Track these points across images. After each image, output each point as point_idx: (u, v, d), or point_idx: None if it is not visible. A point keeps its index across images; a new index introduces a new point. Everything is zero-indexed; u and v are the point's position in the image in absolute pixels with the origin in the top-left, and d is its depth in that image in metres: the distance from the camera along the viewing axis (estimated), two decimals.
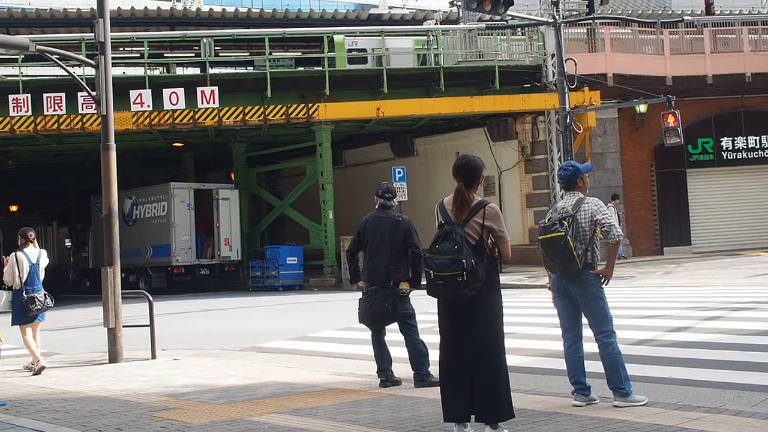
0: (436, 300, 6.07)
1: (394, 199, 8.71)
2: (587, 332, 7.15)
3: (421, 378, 8.35)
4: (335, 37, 26.03)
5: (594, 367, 7.28)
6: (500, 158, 28.01)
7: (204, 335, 14.70)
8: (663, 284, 19.12)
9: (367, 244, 8.54)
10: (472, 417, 5.98)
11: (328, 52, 25.65)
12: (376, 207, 8.75)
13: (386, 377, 8.50)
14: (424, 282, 6.49)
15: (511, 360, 9.66)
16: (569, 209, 6.88)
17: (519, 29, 26.77)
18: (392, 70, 25.80)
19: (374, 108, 25.60)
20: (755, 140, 28.20)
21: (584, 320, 7.19)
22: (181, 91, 23.47)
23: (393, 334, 8.67)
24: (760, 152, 28.21)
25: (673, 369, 8.44)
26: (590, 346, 7.21)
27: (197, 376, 9.72)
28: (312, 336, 13.29)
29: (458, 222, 5.90)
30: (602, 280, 6.95)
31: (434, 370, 8.07)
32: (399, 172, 25.70)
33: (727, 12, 35.26)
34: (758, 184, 28.41)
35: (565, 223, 6.78)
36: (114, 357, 11.19)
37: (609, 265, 6.93)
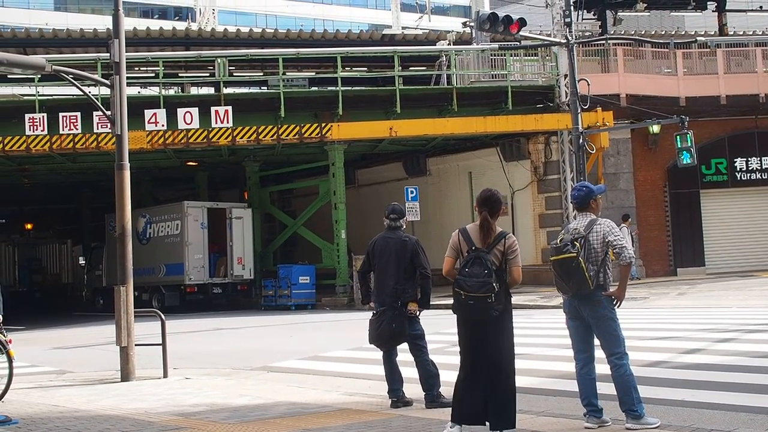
0: (456, 319, 6.69)
1: (402, 220, 8.74)
2: (599, 354, 7.14)
3: (432, 399, 8.34)
4: None
5: (606, 389, 7.26)
6: (513, 178, 28.00)
7: (216, 354, 14.71)
8: (676, 305, 19.02)
9: (376, 264, 8.61)
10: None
11: (341, 72, 25.74)
12: (385, 228, 8.82)
13: (397, 398, 8.49)
14: (434, 302, 6.74)
15: (522, 381, 9.72)
16: (581, 230, 6.90)
17: (532, 49, 26.83)
18: (405, 90, 25.89)
19: (387, 128, 25.67)
20: None
21: (596, 341, 7.18)
22: (195, 110, 23.62)
23: (405, 354, 8.65)
24: None
25: (686, 391, 8.38)
26: (602, 367, 7.19)
27: (208, 396, 9.73)
28: (323, 356, 13.28)
29: (484, 248, 6.51)
30: (614, 302, 6.95)
31: (445, 390, 8.06)
32: (411, 192, 25.74)
33: (740, 32, 35.33)
34: None
35: (577, 244, 6.79)
36: (126, 375, 11.21)
37: (621, 286, 6.92)
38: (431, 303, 8.67)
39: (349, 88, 26.32)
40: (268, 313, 25.47)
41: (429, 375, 8.40)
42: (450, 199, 30.07)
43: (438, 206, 29.77)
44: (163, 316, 11.84)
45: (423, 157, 31.11)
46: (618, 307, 6.99)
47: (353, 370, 11.56)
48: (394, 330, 8.31)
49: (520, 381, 9.72)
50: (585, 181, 21.79)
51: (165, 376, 11.27)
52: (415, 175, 30.90)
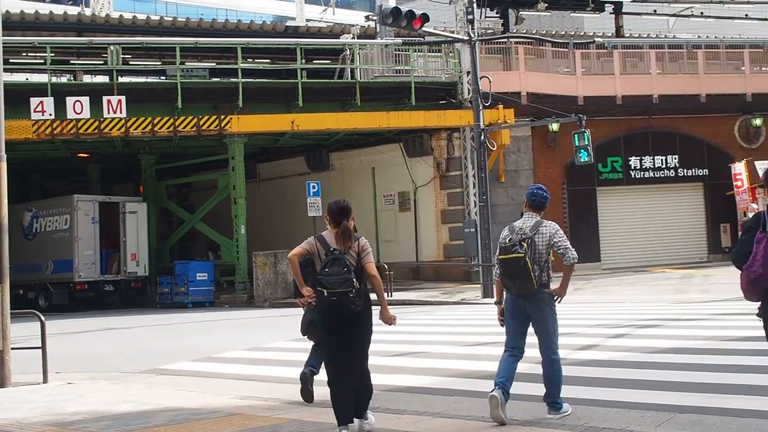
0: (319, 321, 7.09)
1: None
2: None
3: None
4: None
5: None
6: (415, 174, 27.96)
7: (103, 356, 14.04)
8: (573, 301, 19.17)
9: None
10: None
11: (242, 63, 25.16)
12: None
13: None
14: None
15: (419, 381, 9.55)
16: (527, 231, 7.17)
17: (435, 46, 26.82)
18: (308, 83, 25.51)
19: (289, 121, 25.24)
20: (661, 160, 28.87)
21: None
22: (86, 99, 22.67)
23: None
24: (666, 171, 28.89)
25: (581, 389, 8.31)
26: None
27: (91, 402, 9.18)
28: (218, 357, 12.81)
29: (343, 250, 6.96)
30: (556, 299, 7.25)
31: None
32: (313, 187, 25.43)
33: (636, 35, 36.21)
34: (664, 203, 29.08)
35: (525, 244, 7.06)
36: (2, 382, 10.51)
37: (563, 285, 7.19)
38: None
39: (251, 80, 25.73)
40: (163, 311, 24.75)
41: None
42: (353, 194, 29.75)
43: None
44: (42, 317, 11.15)
45: (326, 151, 30.78)
46: (558, 303, 7.30)
47: (248, 372, 11.15)
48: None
49: (417, 380, 9.61)
50: (486, 176, 21.93)
51: (45, 381, 10.60)
52: (318, 170, 30.55)
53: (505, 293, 7.39)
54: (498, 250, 7.26)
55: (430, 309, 18.88)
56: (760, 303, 5.20)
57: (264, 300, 24.40)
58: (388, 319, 7.05)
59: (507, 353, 7.35)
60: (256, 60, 29.76)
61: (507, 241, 7.13)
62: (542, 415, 7.32)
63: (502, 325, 7.49)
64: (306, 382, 8.36)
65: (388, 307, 7.10)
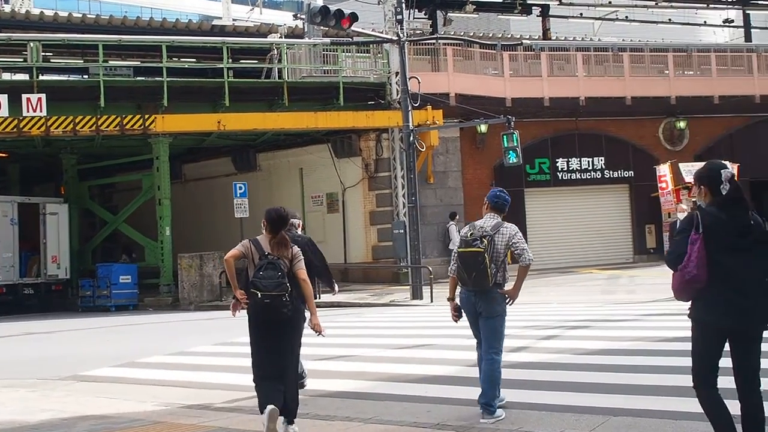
0: (249, 323, 7.13)
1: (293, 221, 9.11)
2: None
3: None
4: None
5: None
6: (344, 175, 27.78)
7: (22, 362, 13.51)
8: None
9: None
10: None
11: (167, 61, 24.63)
12: None
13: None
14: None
15: (349, 385, 9.39)
16: (488, 229, 7.42)
17: (364, 46, 26.70)
18: (234, 83, 25.10)
19: (215, 121, 24.81)
20: (588, 162, 29.26)
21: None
22: (4, 97, 21.92)
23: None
24: (592, 173, 29.29)
25: (513, 392, 8.26)
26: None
27: (4, 412, 8.78)
28: (141, 362, 12.44)
29: (277, 256, 7.09)
30: (507, 300, 7.44)
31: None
32: (240, 188, 25.06)
33: (562, 38, 36.72)
34: (591, 204, 29.49)
35: (485, 241, 7.29)
36: None
37: (516, 286, 7.46)
38: None
39: (176, 79, 25.18)
40: (85, 315, 24.07)
41: None
42: (281, 195, 29.48)
43: (268, 202, 28.94)
44: None
45: (253, 152, 30.38)
46: (510, 305, 7.50)
47: (173, 378, 10.83)
48: None
49: (347, 385, 9.45)
50: (414, 177, 21.88)
51: None
52: (245, 171, 30.13)
53: (459, 289, 7.58)
54: (458, 244, 7.48)
55: (359, 311, 18.74)
56: (690, 303, 5.27)
57: (189, 303, 23.95)
58: (317, 327, 7.17)
59: (480, 353, 7.60)
60: (181, 59, 29.21)
61: (468, 235, 7.37)
62: (476, 419, 7.23)
63: (455, 321, 7.69)
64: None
65: (317, 313, 7.24)
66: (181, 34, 27.75)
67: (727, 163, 5.53)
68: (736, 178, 5.44)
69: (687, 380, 8.03)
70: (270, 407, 6.77)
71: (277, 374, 7.02)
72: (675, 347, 10.09)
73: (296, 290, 7.11)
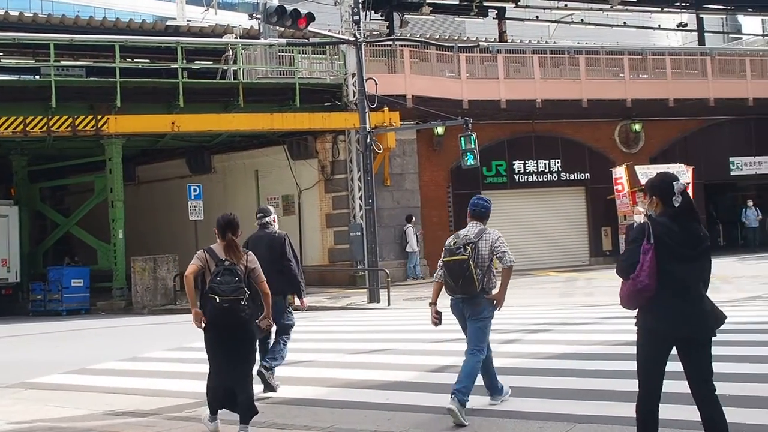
0: (205, 327, 7.17)
1: (269, 217, 9.56)
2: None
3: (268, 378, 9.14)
4: None
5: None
6: (300, 177, 27.55)
7: None
8: None
9: None
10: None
11: (121, 62, 24.19)
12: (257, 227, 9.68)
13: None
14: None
15: (306, 392, 9.19)
16: (472, 237, 7.60)
17: (320, 47, 26.50)
18: (189, 83, 24.74)
19: (169, 122, 24.41)
20: (544, 164, 29.36)
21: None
22: None
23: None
24: (549, 176, 29.40)
25: (474, 398, 8.13)
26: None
27: None
28: (92, 368, 12.11)
29: (233, 262, 7.23)
30: (495, 305, 7.59)
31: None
32: (195, 190, 24.74)
33: (518, 41, 36.84)
34: (547, 207, 29.57)
35: (469, 248, 7.47)
36: None
37: (501, 290, 7.60)
38: None
39: (129, 79, 24.74)
40: (35, 319, 23.53)
41: (280, 358, 9.38)
42: (236, 197, 29.19)
43: (223, 205, 28.66)
44: None
45: (208, 154, 30.00)
46: (498, 310, 7.66)
47: (125, 384, 10.53)
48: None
49: (304, 392, 9.26)
50: (371, 179, 21.73)
51: None
52: (200, 173, 29.73)
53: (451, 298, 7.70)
54: (443, 253, 7.65)
55: (316, 315, 18.51)
56: (637, 311, 5.38)
57: (143, 307, 23.55)
58: (267, 323, 7.55)
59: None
60: (135, 60, 28.73)
61: (452, 244, 7.58)
62: (438, 427, 7.19)
63: (435, 325, 7.85)
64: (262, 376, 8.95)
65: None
66: (135, 35, 27.29)
67: (680, 168, 5.63)
68: (689, 189, 5.56)
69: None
70: (217, 422, 7.23)
71: (232, 378, 7.18)
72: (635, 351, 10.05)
73: (254, 295, 7.26)
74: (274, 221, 9.58)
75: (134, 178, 31.36)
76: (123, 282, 24.83)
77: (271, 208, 9.85)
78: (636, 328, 5.43)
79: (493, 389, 7.91)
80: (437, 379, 9.31)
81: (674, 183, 5.28)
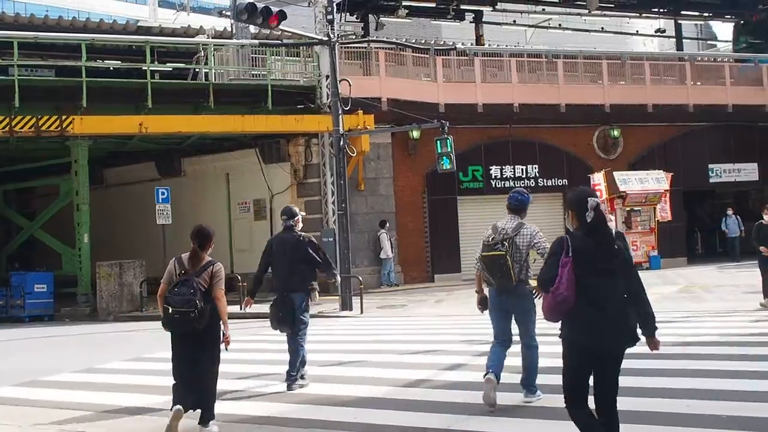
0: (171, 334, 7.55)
1: (294, 219, 9.92)
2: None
3: (294, 379, 9.56)
4: None
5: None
6: (272, 181, 26.89)
7: None
8: (435, 314, 18.68)
9: (273, 260, 9.97)
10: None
11: (87, 61, 23.45)
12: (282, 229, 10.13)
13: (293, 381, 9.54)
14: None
15: (270, 408, 8.57)
16: (509, 231, 7.90)
17: (294, 48, 25.91)
18: (157, 84, 24.02)
19: (137, 123, 23.69)
20: (522, 169, 28.88)
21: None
22: None
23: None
24: (525, 181, 28.85)
25: (451, 417, 7.58)
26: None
27: None
28: (45, 380, 11.41)
29: (194, 272, 7.51)
30: (535, 294, 7.74)
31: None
32: (163, 193, 24.02)
33: (495, 45, 36.41)
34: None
35: (506, 243, 7.78)
36: None
37: None
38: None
39: (96, 79, 23.99)
40: None
41: (297, 358, 9.64)
42: (206, 201, 28.51)
43: (193, 209, 28.00)
44: None
45: (177, 156, 29.28)
46: (539, 298, 7.32)
47: (77, 399, 9.87)
48: (280, 317, 9.75)
49: (269, 408, 8.64)
50: (345, 184, 21.14)
51: None
52: (169, 176, 29.01)
53: (487, 289, 8.06)
54: (481, 248, 7.98)
55: None
56: (561, 323, 5.48)
57: (108, 313, 22.80)
58: (225, 339, 7.56)
59: (496, 343, 8.10)
60: (106, 61, 27.95)
61: (490, 239, 7.90)
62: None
63: (481, 312, 8.17)
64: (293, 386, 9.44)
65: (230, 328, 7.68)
66: (106, 34, 26.53)
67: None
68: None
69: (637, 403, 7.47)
70: (176, 407, 7.30)
71: (190, 380, 7.50)
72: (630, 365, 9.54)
73: (212, 306, 7.46)
74: (297, 222, 9.95)
75: (102, 181, 30.64)
76: (88, 288, 24.07)
77: (296, 209, 10.15)
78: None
79: (497, 378, 8.06)
80: (408, 395, 8.76)
81: (588, 199, 5.45)
